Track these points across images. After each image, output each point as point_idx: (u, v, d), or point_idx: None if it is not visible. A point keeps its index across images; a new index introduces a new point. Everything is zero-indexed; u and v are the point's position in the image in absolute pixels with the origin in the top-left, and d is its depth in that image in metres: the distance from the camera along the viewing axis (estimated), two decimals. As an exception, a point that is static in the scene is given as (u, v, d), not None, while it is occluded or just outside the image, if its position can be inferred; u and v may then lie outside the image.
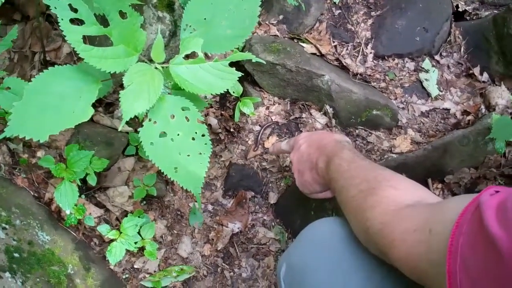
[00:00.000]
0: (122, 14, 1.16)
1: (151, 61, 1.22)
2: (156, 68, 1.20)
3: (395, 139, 1.85)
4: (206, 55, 1.24)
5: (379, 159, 1.79)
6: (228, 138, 1.87)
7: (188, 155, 1.21)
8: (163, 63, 1.22)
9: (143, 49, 1.20)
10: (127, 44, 1.18)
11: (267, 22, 1.94)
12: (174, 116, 1.21)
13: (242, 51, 1.81)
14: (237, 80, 1.23)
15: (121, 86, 1.13)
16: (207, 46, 1.25)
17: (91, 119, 1.64)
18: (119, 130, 1.12)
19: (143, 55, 1.22)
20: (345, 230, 1.08)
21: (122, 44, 1.17)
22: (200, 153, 1.21)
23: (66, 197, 1.42)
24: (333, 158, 1.22)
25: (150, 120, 1.19)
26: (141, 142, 1.17)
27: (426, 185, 1.71)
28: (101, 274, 1.55)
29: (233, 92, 1.82)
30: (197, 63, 1.21)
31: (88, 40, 1.17)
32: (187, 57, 1.22)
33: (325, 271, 1.03)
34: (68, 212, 1.47)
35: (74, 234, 1.58)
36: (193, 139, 1.21)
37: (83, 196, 1.63)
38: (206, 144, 1.22)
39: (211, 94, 1.79)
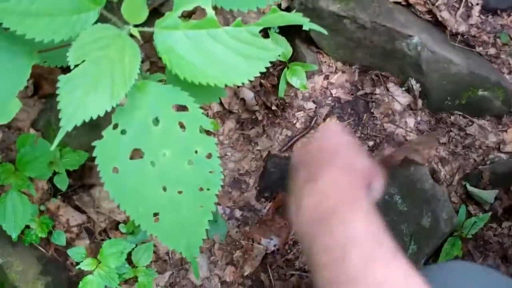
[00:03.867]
0: None
1: (125, 23, 0.69)
2: (130, 34, 0.68)
3: (506, 131, 1.49)
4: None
5: (481, 160, 1.47)
6: (269, 118, 1.46)
7: (180, 192, 0.70)
8: (144, 25, 0.69)
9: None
10: (78, -12, 0.66)
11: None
12: (158, 121, 0.69)
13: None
14: (286, 38, 0.73)
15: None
16: (225, -2, 0.73)
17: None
18: (51, 149, 0.62)
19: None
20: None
21: (69, -12, 0.66)
22: (202, 188, 0.70)
23: (13, 215, 0.95)
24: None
25: (116, 127, 0.69)
26: (96, 165, 0.68)
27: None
28: (79, 309, 1.13)
29: (279, 56, 1.32)
30: (204, 28, 0.68)
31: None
32: (187, 16, 0.69)
33: None
34: (14, 236, 1.00)
35: (43, 250, 1.16)
36: (191, 162, 0.69)
37: (54, 199, 1.17)
38: (212, 171, 0.70)
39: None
